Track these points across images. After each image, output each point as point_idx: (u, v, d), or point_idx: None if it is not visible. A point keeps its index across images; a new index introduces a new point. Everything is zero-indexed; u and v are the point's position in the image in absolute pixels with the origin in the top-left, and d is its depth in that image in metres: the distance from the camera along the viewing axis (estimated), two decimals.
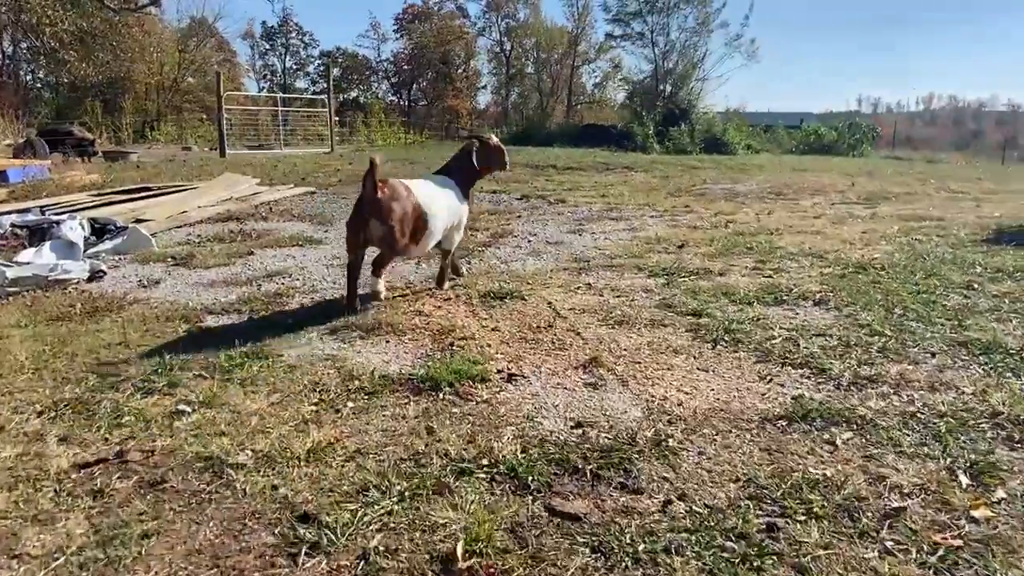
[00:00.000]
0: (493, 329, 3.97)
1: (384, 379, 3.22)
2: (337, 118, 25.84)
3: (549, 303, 4.47)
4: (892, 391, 3.12)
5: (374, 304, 4.40)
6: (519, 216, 8.29)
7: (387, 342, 3.79)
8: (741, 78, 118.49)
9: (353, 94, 61.23)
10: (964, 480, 2.39)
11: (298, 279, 5.21)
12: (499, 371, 3.34)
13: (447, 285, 4.88)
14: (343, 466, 2.49)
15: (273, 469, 2.48)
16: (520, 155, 19.08)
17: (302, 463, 2.51)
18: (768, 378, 3.28)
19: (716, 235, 6.76)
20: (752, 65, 61.31)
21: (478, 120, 56.51)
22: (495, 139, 4.98)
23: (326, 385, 3.17)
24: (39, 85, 35.05)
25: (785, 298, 4.55)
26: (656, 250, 6.11)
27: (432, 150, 23.82)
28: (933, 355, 3.55)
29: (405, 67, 60.03)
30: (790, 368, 3.39)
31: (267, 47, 61.66)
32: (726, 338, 3.78)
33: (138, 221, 7.69)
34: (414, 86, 60.88)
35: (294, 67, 62.49)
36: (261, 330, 3.96)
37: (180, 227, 7.69)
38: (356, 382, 3.20)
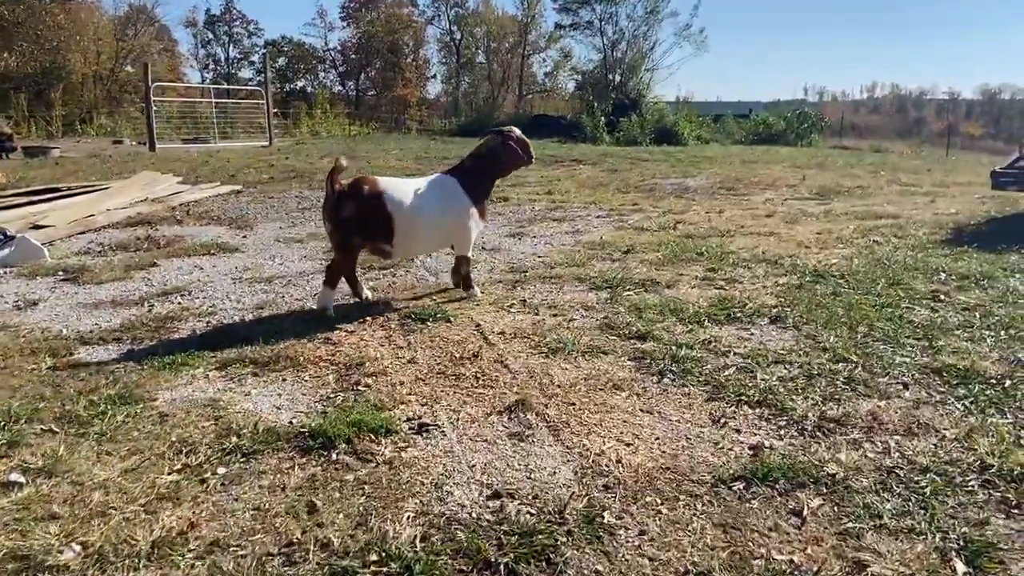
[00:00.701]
0: (410, 361, 3.45)
1: (269, 434, 2.68)
2: (276, 110, 24.92)
3: (477, 325, 3.96)
4: (864, 436, 2.68)
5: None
6: None
7: (284, 380, 3.25)
8: (690, 68, 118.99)
9: (300, 84, 59.79)
10: (960, 567, 1.95)
11: (198, 297, 4.62)
12: (409, 419, 2.82)
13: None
14: (193, 567, 1.96)
15: (103, 573, 1.94)
16: (466, 147, 18.52)
17: (142, 562, 1.97)
18: (721, 421, 2.82)
19: (664, 238, 6.32)
20: (702, 55, 61.44)
21: (428, 110, 55.68)
22: (517, 132, 4.47)
23: (197, 444, 2.62)
24: None
25: (739, 314, 4.11)
26: (600, 256, 5.64)
27: (376, 142, 23.12)
28: (906, 386, 3.13)
29: (353, 56, 58.71)
30: (746, 407, 2.94)
31: (210, 36, 59.85)
32: (674, 368, 3.31)
33: (36, 227, 7.00)
34: (362, 76, 59.62)
35: (238, 56, 60.74)
36: (140, 365, 3.40)
37: (84, 233, 7.01)
38: (234, 439, 2.65)
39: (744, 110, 35.23)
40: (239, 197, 9.40)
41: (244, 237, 6.73)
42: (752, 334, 3.83)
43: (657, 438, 2.69)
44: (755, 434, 2.72)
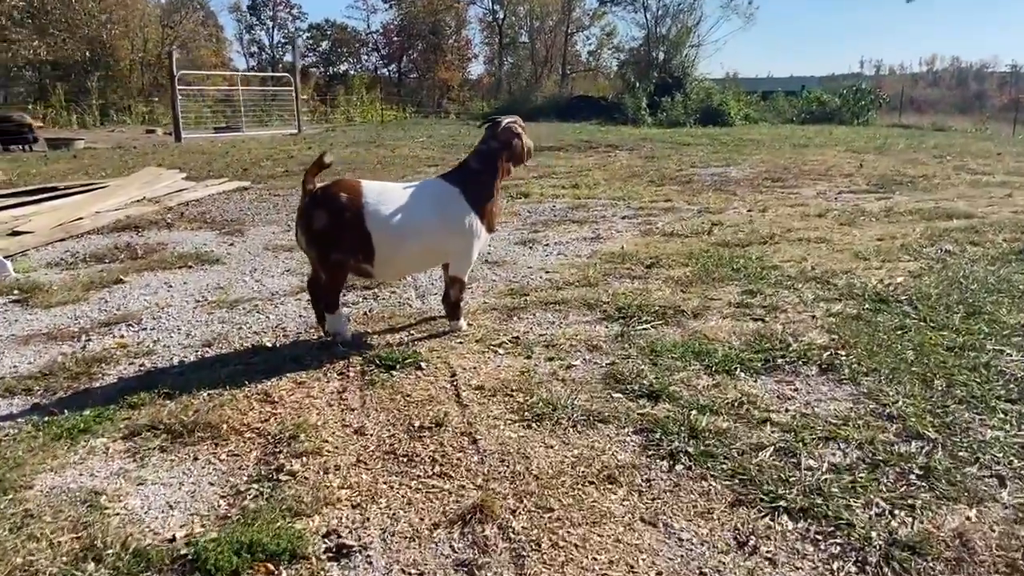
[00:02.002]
0: (356, 431, 2.75)
1: (136, 560, 2.00)
2: (306, 96, 24.44)
3: (453, 375, 3.24)
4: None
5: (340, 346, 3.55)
6: None
7: (195, 459, 2.57)
8: (739, 43, 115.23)
9: (343, 68, 59.68)
10: None
11: (145, 328, 3.98)
12: (327, 534, 2.12)
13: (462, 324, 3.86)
14: None
15: None
16: None
17: None
18: (751, 542, 2.07)
19: (696, 247, 5.49)
20: (750, 28, 59.38)
21: (470, 91, 55.06)
22: (508, 120, 3.69)
23: (40, 570, 1.96)
24: (19, 64, 33.50)
25: (780, 359, 3.31)
26: (618, 273, 4.85)
27: (407, 128, 22.47)
28: (1002, 483, 2.33)
29: (395, 38, 58.26)
30: (786, 517, 2.17)
31: (254, 21, 59.94)
32: (691, 448, 2.55)
33: (15, 234, 6.48)
34: (404, 58, 59.16)
35: (282, 41, 60.78)
36: (36, 429, 2.79)
37: (65, 239, 6.46)
38: (91, 566, 1.98)
39: (796, 86, 33.71)
40: (243, 195, 8.79)
41: (231, 245, 6.10)
42: (796, 390, 3.03)
43: (659, 573, 1.95)
44: (797, 568, 1.95)
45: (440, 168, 10.78)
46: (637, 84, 27.44)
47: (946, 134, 20.33)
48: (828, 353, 3.35)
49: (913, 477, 2.36)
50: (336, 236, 3.42)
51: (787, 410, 2.85)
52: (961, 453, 2.50)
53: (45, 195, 8.06)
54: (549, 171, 10.75)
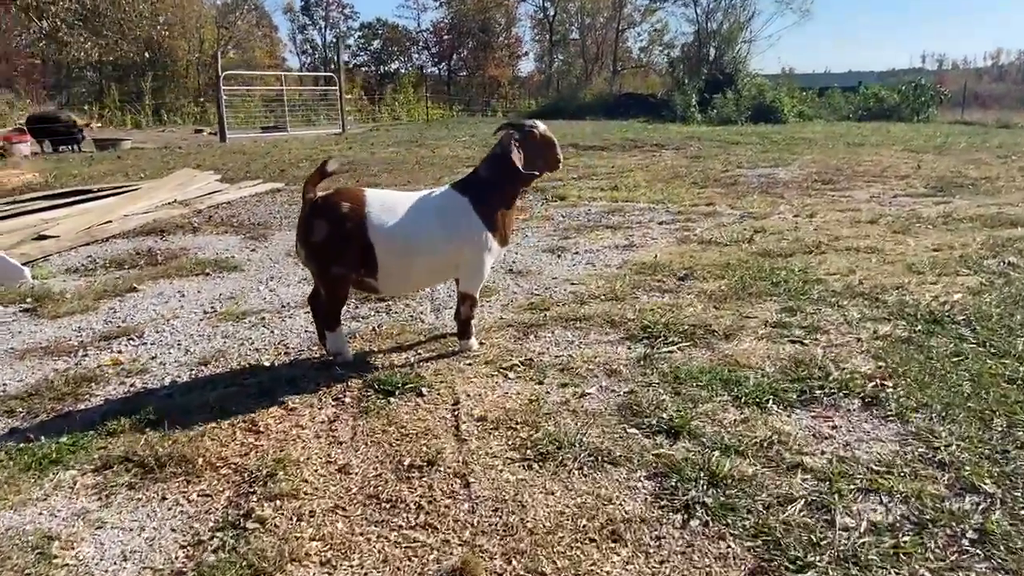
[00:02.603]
0: (340, 469, 2.50)
1: None
2: (350, 96, 24.49)
3: (455, 403, 2.97)
4: None
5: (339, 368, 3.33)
6: None
7: (163, 498, 2.36)
8: (794, 37, 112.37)
9: (394, 66, 60.08)
10: None
11: (145, 342, 3.81)
12: None
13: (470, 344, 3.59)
14: None
15: None
16: None
17: None
18: None
19: (734, 257, 5.13)
20: (805, 23, 57.90)
21: (519, 89, 54.92)
22: (541, 128, 3.40)
23: None
24: (80, 66, 34.35)
25: (819, 390, 2.97)
26: (648, 285, 4.53)
27: (451, 127, 22.31)
28: None
29: (445, 37, 58.41)
30: None
31: (307, 21, 60.64)
32: (709, 499, 2.24)
33: (41, 238, 6.43)
34: (454, 56, 59.28)
35: (334, 40, 61.35)
36: (9, 457, 2.63)
37: (90, 243, 6.39)
38: None
39: (853, 82, 32.66)
40: (275, 197, 8.67)
41: (253, 251, 5.94)
42: (835, 428, 2.70)
43: None
44: None
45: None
46: (687, 81, 26.84)
47: (1011, 131, 19.37)
48: (873, 384, 3.00)
49: (966, 542, 2.03)
50: (337, 248, 3.19)
51: (823, 452, 2.52)
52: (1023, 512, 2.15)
53: (77, 198, 8.04)
54: (590, 172, 10.43)
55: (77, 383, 3.27)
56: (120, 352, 3.69)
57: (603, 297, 4.29)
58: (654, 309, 4.01)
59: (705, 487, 2.30)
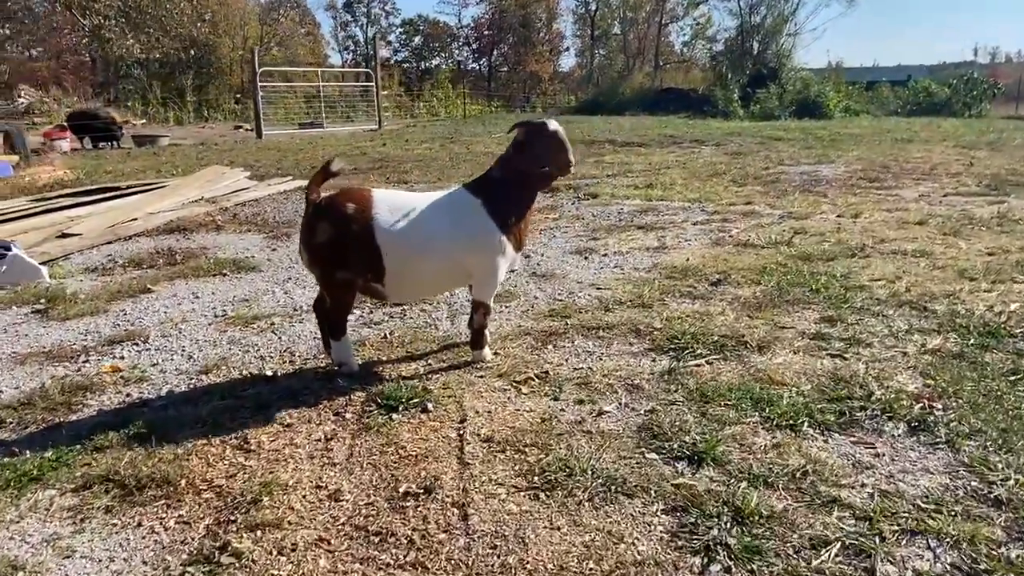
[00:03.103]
0: (331, 496, 2.31)
1: None
2: (387, 92, 24.44)
3: (462, 420, 2.76)
4: None
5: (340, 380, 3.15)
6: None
7: (138, 524, 2.19)
8: (840, 30, 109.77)
9: (435, 62, 60.29)
10: None
11: (149, 348, 3.68)
12: None
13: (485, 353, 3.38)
14: None
15: None
16: (580, 128, 17.22)
17: None
18: None
19: (772, 260, 4.84)
20: (852, 14, 56.54)
21: (560, 84, 54.67)
22: (554, 125, 3.15)
23: None
24: (126, 63, 34.92)
25: (859, 412, 2.70)
26: (678, 291, 4.27)
27: (488, 123, 22.12)
28: None
29: (486, 32, 58.38)
30: None
31: (348, 17, 61.04)
32: (732, 541, 2.00)
33: (64, 236, 6.38)
34: (494, 52, 59.22)
35: (373, 37, 61.64)
36: None
37: (112, 242, 6.32)
38: None
39: (902, 76, 31.72)
40: (303, 194, 8.54)
41: (274, 250, 5.81)
42: (878, 456, 2.43)
43: None
44: None
45: None
46: (729, 75, 26.30)
47: None
48: (920, 406, 2.72)
49: None
50: (342, 252, 3.01)
51: (863, 485, 2.25)
52: None
53: (105, 195, 8.02)
54: (625, 168, 10.15)
55: (72, 392, 3.14)
56: (122, 358, 3.55)
57: (629, 303, 4.05)
58: (683, 317, 3.76)
59: (728, 525, 2.06)
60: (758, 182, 8.67)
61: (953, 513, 2.09)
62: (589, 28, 51.34)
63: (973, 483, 2.25)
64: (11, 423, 2.89)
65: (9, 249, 5.20)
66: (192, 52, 30.29)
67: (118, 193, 8.14)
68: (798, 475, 2.30)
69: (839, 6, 39.07)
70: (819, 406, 2.74)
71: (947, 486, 2.24)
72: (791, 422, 2.63)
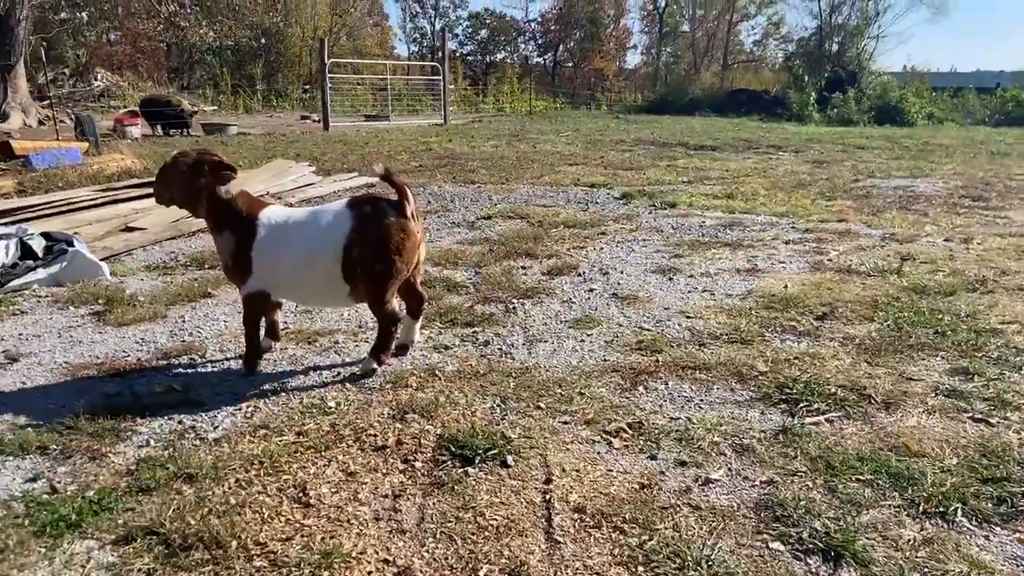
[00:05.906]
0: (402, 573, 1.98)
1: None
2: (453, 86, 24.23)
3: (547, 480, 2.41)
4: None
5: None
6: (603, 232, 6.13)
7: None
8: (922, 32, 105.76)
9: (500, 56, 60.03)
10: None
11: (205, 366, 3.43)
12: None
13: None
14: None
15: None
16: (648, 128, 16.72)
17: None
18: None
19: (882, 291, 4.36)
20: (941, 20, 54.38)
21: (625, 81, 53.92)
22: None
23: None
24: (201, 50, 35.40)
25: (1021, 501, 2.27)
26: (780, 325, 3.84)
27: (554, 120, 21.72)
28: None
29: (552, 27, 57.88)
30: None
31: (417, 9, 61.16)
32: None
33: (128, 230, 6.25)
34: (560, 47, 58.68)
35: (441, 30, 61.73)
36: (25, 515, 2.24)
37: (175, 238, 6.16)
38: None
39: (988, 82, 30.24)
40: (369, 192, 8.31)
41: None
42: None
43: None
44: None
45: (580, 169, 9.95)
46: (806, 78, 25.37)
47: None
48: None
49: None
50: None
51: None
52: None
53: None
54: (701, 175, 9.67)
55: (122, 415, 2.88)
56: (176, 376, 3.30)
57: (726, 338, 3.64)
58: (790, 360, 3.34)
59: None
60: (848, 196, 8.10)
61: None
62: (657, 25, 50.39)
63: None
64: (54, 451, 2.65)
65: (72, 244, 5.05)
66: (263, 41, 30.49)
67: None
68: None
69: (927, 10, 37.27)
70: (971, 488, 2.31)
71: None
72: (940, 508, 2.21)
